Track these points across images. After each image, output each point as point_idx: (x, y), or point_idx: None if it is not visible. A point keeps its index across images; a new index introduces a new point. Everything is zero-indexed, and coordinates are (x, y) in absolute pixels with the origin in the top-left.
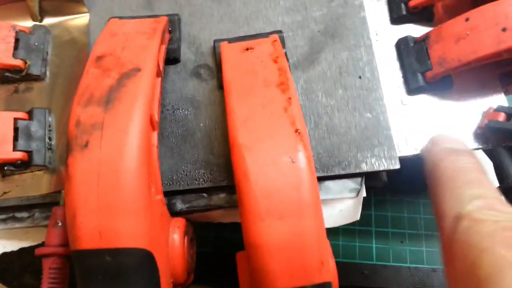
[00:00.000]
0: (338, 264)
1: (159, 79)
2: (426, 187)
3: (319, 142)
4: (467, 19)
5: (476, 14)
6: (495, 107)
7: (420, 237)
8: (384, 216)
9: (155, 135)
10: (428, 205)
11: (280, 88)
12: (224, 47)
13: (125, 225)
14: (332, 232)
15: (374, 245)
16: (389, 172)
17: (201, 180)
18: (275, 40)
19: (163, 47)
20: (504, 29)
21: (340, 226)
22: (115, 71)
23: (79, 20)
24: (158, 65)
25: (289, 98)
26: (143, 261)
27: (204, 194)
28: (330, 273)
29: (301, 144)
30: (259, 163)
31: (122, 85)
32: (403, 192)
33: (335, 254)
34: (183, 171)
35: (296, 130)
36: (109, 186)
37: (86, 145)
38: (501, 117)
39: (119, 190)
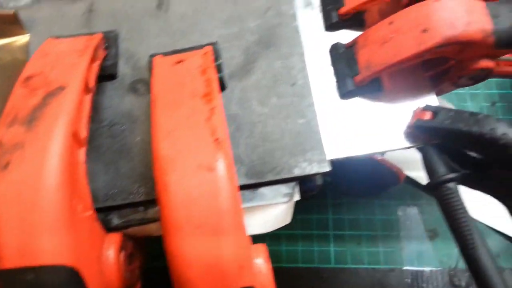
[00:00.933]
0: (297, 270)
1: (89, 96)
2: (381, 188)
3: (254, 150)
4: (391, 23)
5: (400, 16)
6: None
7: (376, 238)
8: (341, 219)
9: (82, 151)
10: (384, 206)
11: (205, 99)
12: (157, 61)
13: (47, 242)
14: (291, 239)
15: (332, 249)
16: (326, 175)
17: (136, 194)
18: (205, 52)
19: (96, 64)
20: (425, 30)
21: (281, 231)
22: (41, 90)
23: (21, 41)
24: (87, 82)
25: (212, 109)
26: (68, 278)
27: (140, 208)
28: (253, 277)
29: (221, 153)
30: (179, 173)
31: (46, 104)
32: (358, 194)
33: (294, 260)
34: (119, 186)
35: (216, 140)
36: (30, 204)
37: (7, 165)
38: (428, 115)
39: (39, 208)
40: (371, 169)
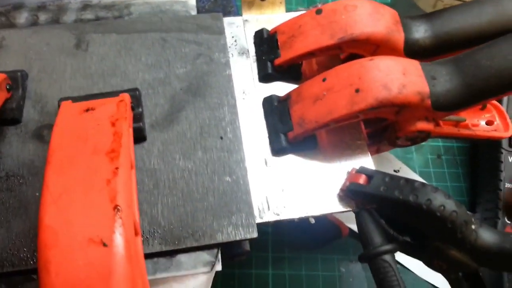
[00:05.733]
0: None
1: None
2: (324, 242)
3: (172, 210)
4: (324, 79)
5: (332, 74)
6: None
7: None
8: (282, 275)
9: None
10: (327, 260)
11: (109, 156)
12: (63, 108)
13: None
14: None
15: None
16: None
17: (30, 260)
18: (121, 100)
19: None
20: (357, 90)
21: None
22: None
23: None
24: None
25: (116, 168)
26: None
27: (34, 276)
28: None
29: (119, 223)
30: (64, 248)
31: None
32: (300, 247)
33: None
34: (10, 250)
35: (115, 207)
36: None
37: None
38: (362, 179)
39: None
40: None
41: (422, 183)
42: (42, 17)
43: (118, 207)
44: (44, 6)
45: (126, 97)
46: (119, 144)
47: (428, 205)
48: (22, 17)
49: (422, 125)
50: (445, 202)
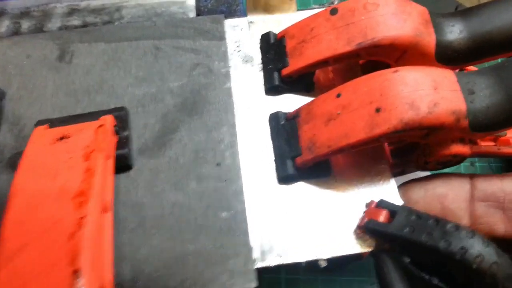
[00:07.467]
0: None
1: None
2: (342, 263)
3: (159, 254)
4: (338, 95)
5: (349, 89)
6: (377, 200)
7: None
8: None
9: None
10: (346, 283)
11: (76, 201)
12: (35, 136)
13: None
14: None
15: None
16: None
17: None
18: (100, 126)
19: None
20: (378, 109)
21: None
22: None
23: None
24: None
25: (82, 218)
26: None
27: None
28: None
29: None
30: None
31: None
32: (317, 269)
33: None
34: None
35: (75, 271)
36: None
37: None
38: (383, 216)
39: None
40: None
41: (456, 226)
42: (25, 24)
43: (79, 271)
44: (28, 12)
45: (109, 120)
46: (89, 184)
47: (462, 254)
48: (3, 26)
49: (457, 149)
50: (483, 251)
